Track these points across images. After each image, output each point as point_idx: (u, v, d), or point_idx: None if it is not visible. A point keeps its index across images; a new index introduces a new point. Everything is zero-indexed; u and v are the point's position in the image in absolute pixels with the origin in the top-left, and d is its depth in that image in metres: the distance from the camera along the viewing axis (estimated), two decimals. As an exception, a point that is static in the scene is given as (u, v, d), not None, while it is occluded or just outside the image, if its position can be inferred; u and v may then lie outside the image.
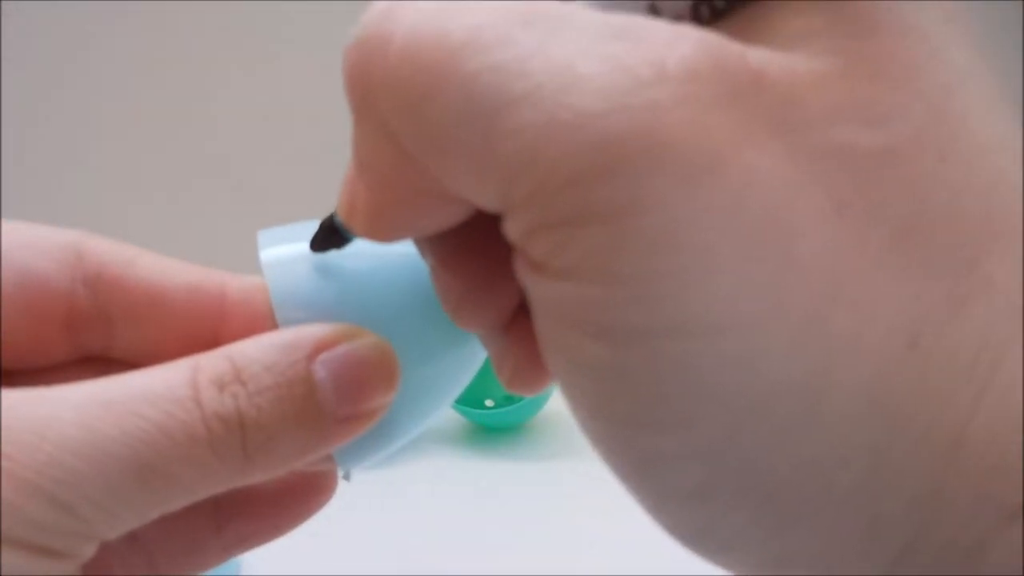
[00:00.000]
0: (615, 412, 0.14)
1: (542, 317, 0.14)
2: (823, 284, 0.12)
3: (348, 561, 0.58)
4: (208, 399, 0.18)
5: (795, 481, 0.13)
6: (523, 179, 0.13)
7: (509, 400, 0.75)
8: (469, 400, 0.74)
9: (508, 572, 0.55)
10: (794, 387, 0.12)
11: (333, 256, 0.21)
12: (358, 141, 0.15)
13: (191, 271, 0.22)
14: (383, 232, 0.16)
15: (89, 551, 0.17)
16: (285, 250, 0.21)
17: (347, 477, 0.23)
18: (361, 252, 0.21)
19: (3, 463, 0.16)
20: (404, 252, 0.21)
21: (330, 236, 0.20)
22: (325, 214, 0.20)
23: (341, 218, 0.17)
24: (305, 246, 0.21)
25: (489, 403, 0.76)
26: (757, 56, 0.13)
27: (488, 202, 0.14)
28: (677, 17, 0.14)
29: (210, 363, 0.19)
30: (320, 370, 0.19)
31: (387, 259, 0.21)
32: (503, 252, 0.16)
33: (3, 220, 0.20)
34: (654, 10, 0.14)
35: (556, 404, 0.74)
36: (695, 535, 0.14)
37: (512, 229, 0.14)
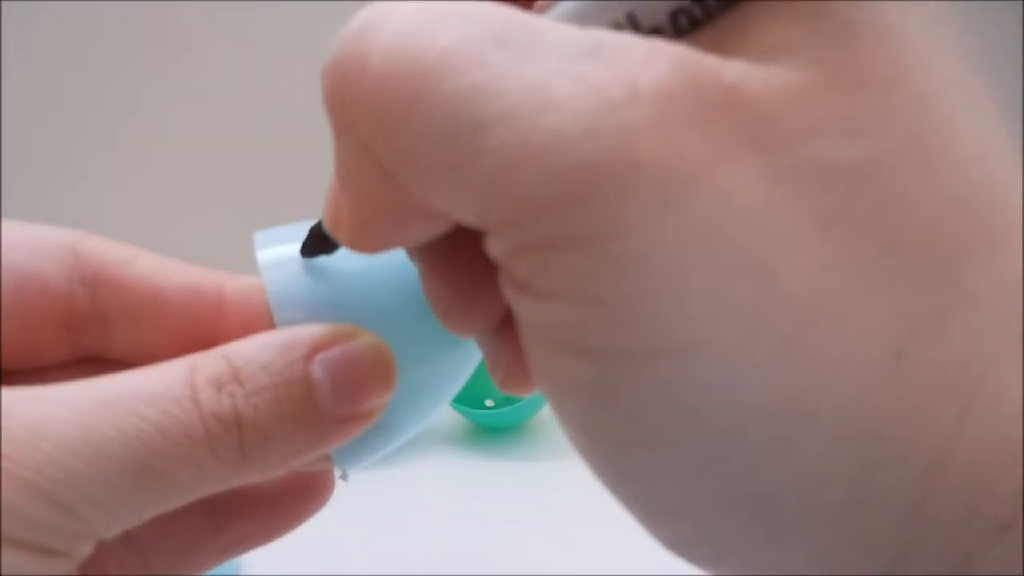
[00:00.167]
0: (599, 430, 0.14)
1: (527, 334, 0.14)
2: (803, 303, 0.12)
3: (348, 561, 0.58)
4: (206, 399, 0.18)
5: (780, 498, 0.13)
6: (499, 202, 0.13)
7: (509, 400, 0.75)
8: (469, 400, 0.74)
9: (508, 572, 0.55)
10: (774, 409, 0.12)
11: (331, 258, 0.21)
12: (339, 158, 0.15)
13: (189, 271, 0.22)
14: (367, 245, 0.16)
15: (87, 550, 0.17)
16: (282, 251, 0.21)
17: (344, 477, 0.23)
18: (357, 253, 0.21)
19: (3, 463, 0.16)
20: (401, 252, 0.21)
21: (319, 243, 0.20)
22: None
23: (327, 228, 0.18)
24: None
25: (489, 403, 0.76)
26: (734, 71, 0.13)
27: (468, 221, 0.14)
28: (655, 26, 0.14)
29: (208, 363, 0.19)
30: (318, 370, 0.19)
31: (384, 259, 0.21)
32: (490, 260, 0.16)
33: (1, 220, 0.20)
34: (632, 19, 0.14)
35: (556, 404, 0.74)
36: (684, 547, 0.14)
37: (493, 248, 0.14)
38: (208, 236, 0.73)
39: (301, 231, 0.21)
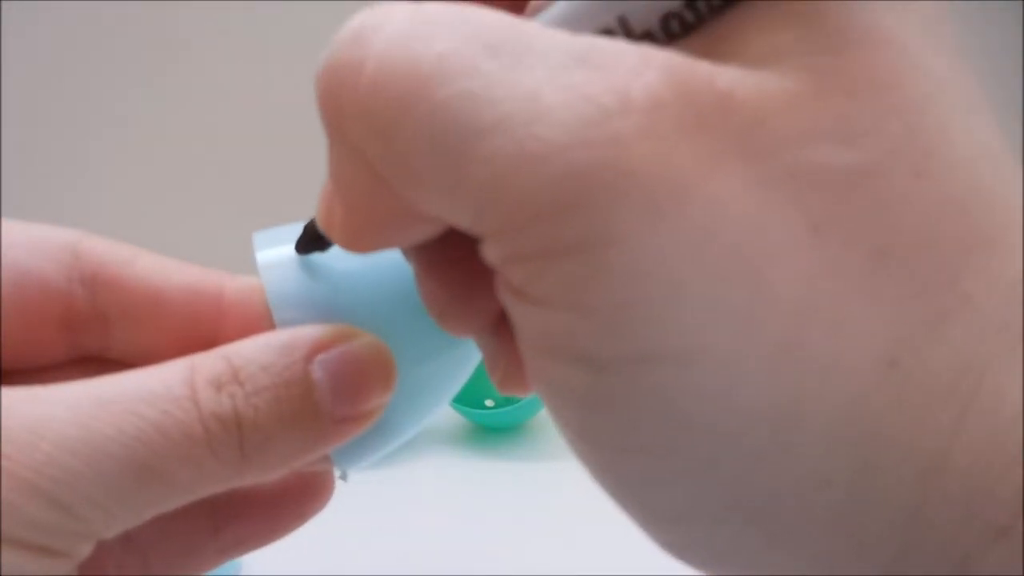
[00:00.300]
0: (595, 436, 0.14)
1: (523, 340, 0.14)
2: (798, 309, 0.12)
3: (348, 561, 0.58)
4: (205, 399, 0.18)
5: (777, 503, 0.13)
6: (493, 209, 0.13)
7: (509, 400, 0.75)
8: (469, 400, 0.74)
9: (507, 572, 0.56)
10: (770, 414, 0.12)
11: (329, 257, 0.21)
12: (333, 162, 0.15)
13: (189, 271, 0.22)
14: (361, 246, 0.16)
15: (86, 550, 0.17)
16: (281, 251, 0.21)
17: (344, 477, 0.23)
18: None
19: (2, 462, 0.16)
20: (399, 252, 0.21)
21: (314, 240, 0.20)
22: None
23: (321, 228, 0.18)
24: None
25: (489, 403, 0.77)
26: (726, 77, 0.13)
27: (463, 227, 0.14)
28: (647, 31, 0.14)
29: (207, 363, 0.19)
30: (317, 370, 0.19)
31: (383, 260, 0.21)
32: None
33: (1, 219, 0.20)
34: (623, 23, 0.14)
35: (556, 404, 0.74)
36: (683, 550, 0.14)
37: (489, 254, 0.14)
38: (208, 236, 0.73)
39: (300, 232, 0.21)
